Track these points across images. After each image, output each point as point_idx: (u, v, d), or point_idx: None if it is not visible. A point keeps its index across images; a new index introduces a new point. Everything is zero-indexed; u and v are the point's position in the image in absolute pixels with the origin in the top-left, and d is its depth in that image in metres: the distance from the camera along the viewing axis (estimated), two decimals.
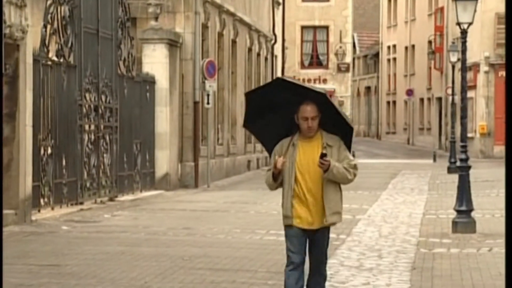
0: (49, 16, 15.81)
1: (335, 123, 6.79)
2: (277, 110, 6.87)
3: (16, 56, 13.87)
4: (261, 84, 33.17)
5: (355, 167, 6.85)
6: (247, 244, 12.20)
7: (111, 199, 18.34)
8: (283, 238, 14.16)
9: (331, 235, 14.23)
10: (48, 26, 15.82)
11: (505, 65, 12.43)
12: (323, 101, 6.75)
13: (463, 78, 14.91)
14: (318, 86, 48.40)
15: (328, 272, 9.86)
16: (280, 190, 7.00)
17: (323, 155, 6.69)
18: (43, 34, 15.65)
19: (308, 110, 6.71)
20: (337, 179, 6.78)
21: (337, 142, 6.82)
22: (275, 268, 10.07)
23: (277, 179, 6.83)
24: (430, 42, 53.00)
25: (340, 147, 6.82)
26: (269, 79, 34.76)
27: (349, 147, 6.86)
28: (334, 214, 6.87)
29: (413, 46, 57.84)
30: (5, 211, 13.20)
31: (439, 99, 51.74)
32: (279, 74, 37.59)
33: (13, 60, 13.84)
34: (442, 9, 50.48)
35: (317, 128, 6.77)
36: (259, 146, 32.38)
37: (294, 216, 6.83)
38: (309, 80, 46.29)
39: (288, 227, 6.91)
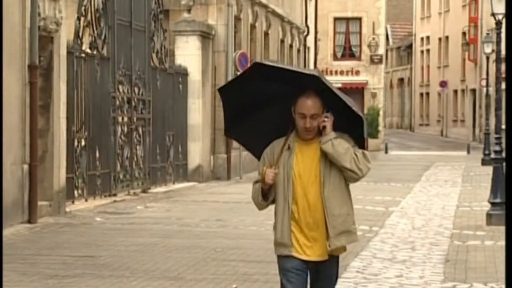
0: (83, 8, 15.89)
1: (341, 114, 5.17)
2: (264, 107, 5.30)
3: (50, 48, 13.96)
4: None
5: (365, 156, 5.17)
6: None
7: (144, 191, 18.42)
8: None
9: (364, 227, 14.26)
10: (82, 19, 15.90)
11: (506, 65, 12.26)
12: (319, 86, 5.10)
13: (498, 69, 14.80)
14: (350, 78, 47.75)
15: (361, 264, 9.87)
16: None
17: (326, 111, 5.16)
18: (77, 26, 15.73)
19: (308, 106, 5.09)
20: (340, 162, 5.09)
21: (345, 137, 5.24)
22: None
23: (268, 197, 5.20)
24: (464, 33, 52.61)
25: (348, 141, 5.22)
26: None
27: (361, 145, 5.24)
28: (342, 235, 5.17)
29: (447, 37, 57.45)
30: (39, 203, 13.31)
31: (473, 90, 51.36)
32: (311, 66, 37.52)
33: (48, 52, 13.94)
34: (476, 0, 50.04)
35: (317, 128, 5.14)
36: None
37: (293, 244, 5.16)
38: (341, 72, 46.14)
39: (283, 258, 5.22)
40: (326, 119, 5.11)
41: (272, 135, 5.27)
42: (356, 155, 5.13)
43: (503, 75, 13.62)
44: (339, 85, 45.77)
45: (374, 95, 45.57)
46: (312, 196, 5.16)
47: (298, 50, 33.80)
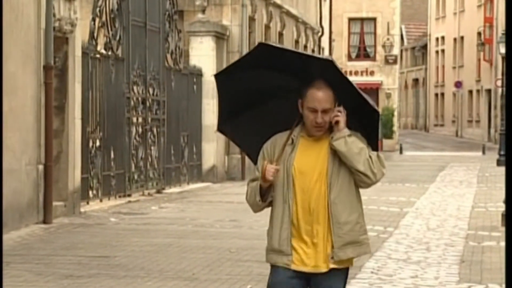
0: (98, 9, 15.93)
1: (354, 109, 4.58)
2: (266, 100, 4.70)
3: (65, 49, 14.00)
4: None
5: (380, 160, 4.56)
6: None
7: (158, 191, 18.45)
8: None
9: (378, 228, 14.20)
10: (97, 19, 15.94)
11: (506, 65, 12.21)
12: (332, 75, 4.49)
13: None
14: (364, 79, 47.89)
15: (376, 265, 9.85)
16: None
17: (339, 105, 4.58)
18: (91, 27, 15.77)
19: (320, 98, 4.47)
20: (352, 162, 4.47)
21: (356, 135, 4.62)
22: None
23: (266, 197, 4.56)
24: (479, 33, 52.44)
25: (360, 140, 4.63)
26: None
27: (375, 146, 4.63)
28: (348, 246, 4.51)
29: (462, 37, 57.28)
30: (54, 203, 13.35)
31: (488, 91, 51.18)
32: None
33: (62, 53, 13.97)
34: (491, 0, 49.87)
35: (328, 125, 4.53)
36: None
37: (292, 253, 4.52)
38: (356, 73, 46.09)
39: (279, 269, 4.58)
40: (339, 114, 4.49)
41: (272, 133, 4.64)
42: (370, 157, 4.50)
43: None
44: None
45: (388, 96, 45.49)
46: (314, 198, 4.49)
47: (313, 51, 33.77)
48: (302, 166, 4.52)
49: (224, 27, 22.41)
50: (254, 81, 4.64)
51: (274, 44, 4.62)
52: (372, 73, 45.93)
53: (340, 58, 45.38)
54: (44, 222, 12.94)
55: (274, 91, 4.68)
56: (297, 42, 30.51)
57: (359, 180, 4.52)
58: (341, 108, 4.52)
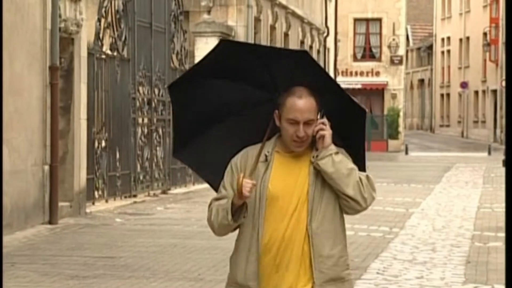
0: (103, 10, 15.94)
1: (339, 110, 3.89)
2: (233, 115, 3.99)
3: (71, 50, 14.02)
4: None
5: (370, 181, 3.88)
6: None
7: (164, 192, 18.46)
8: None
9: (384, 228, 14.18)
10: (102, 20, 15.96)
11: (505, 65, 12.18)
12: (308, 70, 3.79)
13: None
14: (370, 79, 47.86)
15: (381, 266, 9.84)
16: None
17: (322, 116, 3.88)
18: (97, 28, 15.79)
19: (302, 108, 3.79)
20: (340, 186, 3.81)
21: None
22: None
23: (239, 216, 3.83)
24: (485, 34, 52.38)
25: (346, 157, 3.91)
26: None
27: (362, 162, 3.94)
28: (330, 283, 3.86)
29: (467, 38, 57.22)
30: (60, 204, 13.36)
31: (494, 91, 51.13)
32: (331, 67, 37.49)
33: (68, 54, 13.99)
34: (497, 0, 49.82)
35: (310, 139, 3.83)
36: None
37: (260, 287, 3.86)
38: (361, 73, 46.06)
39: None
40: (323, 127, 3.80)
41: (243, 143, 3.93)
42: (360, 179, 3.82)
43: None
44: (359, 86, 45.81)
45: (394, 96, 45.46)
46: (291, 227, 3.79)
47: (318, 51, 33.77)
48: (279, 188, 3.80)
49: (230, 27, 22.41)
50: (216, 93, 3.92)
51: (238, 41, 3.97)
52: (377, 73, 45.89)
53: (346, 59, 45.36)
54: (50, 222, 12.96)
55: (241, 104, 3.96)
56: (302, 42, 30.50)
57: (347, 206, 3.84)
58: (325, 120, 3.83)
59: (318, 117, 3.85)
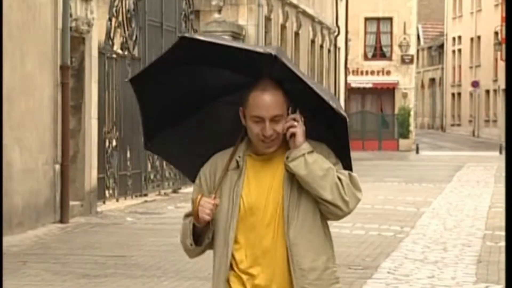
0: (114, 9, 15.96)
1: (314, 113, 3.47)
2: (205, 104, 3.56)
3: (81, 49, 14.04)
4: (324, 76, 33.19)
5: (353, 180, 3.43)
6: None
7: (174, 191, 18.47)
8: (346, 231, 14.11)
9: (395, 228, 14.15)
10: (113, 19, 15.97)
11: (505, 65, 12.15)
12: (280, 72, 3.34)
13: None
14: (380, 78, 47.74)
15: (392, 265, 9.83)
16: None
17: (293, 110, 3.42)
18: (108, 27, 15.81)
19: (266, 104, 3.35)
20: (316, 190, 3.37)
21: (319, 150, 3.45)
22: (338, 261, 9.97)
23: (202, 240, 3.47)
24: (496, 33, 52.24)
25: (326, 156, 3.46)
26: (332, 72, 34.70)
27: (347, 156, 3.50)
28: None
29: (478, 37, 57.10)
30: (71, 203, 13.38)
31: (506, 90, 50.98)
32: (342, 66, 37.45)
33: (79, 53, 14.01)
34: None
35: (281, 137, 3.40)
36: None
37: None
38: (372, 72, 46.00)
39: None
40: (295, 123, 3.37)
41: (217, 150, 3.51)
42: (340, 179, 3.37)
43: None
44: (370, 86, 45.77)
45: (405, 95, 45.38)
46: (269, 239, 3.37)
47: (329, 50, 33.74)
48: (253, 197, 3.39)
49: (240, 27, 22.41)
50: (186, 81, 3.50)
51: (199, 37, 3.36)
52: (388, 72, 45.81)
53: (356, 58, 45.31)
54: (61, 221, 12.98)
55: (214, 92, 3.53)
56: (313, 42, 30.49)
57: (327, 212, 3.40)
58: (297, 115, 3.38)
59: (289, 112, 3.39)
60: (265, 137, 3.38)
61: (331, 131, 3.49)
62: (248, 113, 3.39)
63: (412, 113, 44.84)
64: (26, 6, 12.22)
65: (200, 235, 3.46)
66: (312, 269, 3.40)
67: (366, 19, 46.12)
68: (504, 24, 50.22)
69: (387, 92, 45.78)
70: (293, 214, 3.39)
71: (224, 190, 3.43)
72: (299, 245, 3.38)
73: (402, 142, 42.23)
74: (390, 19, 45.95)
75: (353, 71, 44.51)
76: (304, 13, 28.52)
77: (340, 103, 3.46)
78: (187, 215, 3.51)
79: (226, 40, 3.44)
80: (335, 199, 3.37)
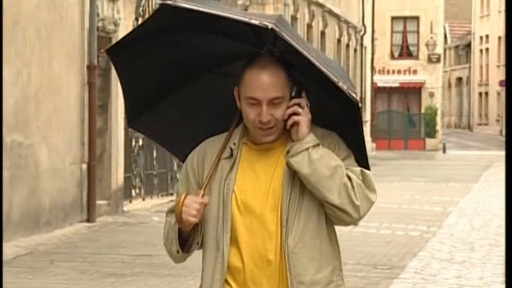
0: (141, 9, 16.01)
1: (323, 95, 2.94)
2: (199, 76, 3.05)
3: None
4: (350, 75, 33.09)
5: (366, 180, 2.91)
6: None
7: None
8: (372, 231, 14.10)
9: (422, 227, 14.11)
10: (140, 19, 16.01)
11: (505, 65, 12.05)
12: (281, 48, 2.83)
13: None
14: (407, 78, 47.63)
15: (419, 265, 9.79)
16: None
17: (298, 93, 2.87)
18: (134, 26, 15.85)
19: (264, 84, 2.84)
20: (321, 191, 2.85)
21: (328, 141, 2.93)
22: (365, 260, 10.00)
23: (189, 245, 2.97)
24: None
25: (336, 148, 2.93)
26: (358, 71, 34.62)
27: (361, 149, 2.97)
28: None
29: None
30: (98, 202, 13.44)
31: None
32: (368, 66, 37.33)
33: None
34: None
35: (282, 124, 2.87)
36: None
37: None
38: (399, 71, 45.83)
39: None
40: (298, 109, 2.84)
41: (207, 131, 3.02)
42: (350, 178, 2.86)
43: None
44: (397, 85, 45.60)
45: (431, 95, 45.18)
46: (265, 245, 2.87)
47: (355, 50, 33.65)
48: (248, 192, 2.87)
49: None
50: (172, 50, 2.99)
51: (183, 5, 2.81)
52: (415, 72, 45.64)
53: (383, 57, 45.15)
54: (88, 220, 13.04)
55: (208, 61, 3.02)
56: (339, 41, 30.42)
57: (333, 217, 2.90)
58: (301, 100, 2.85)
59: (292, 95, 2.86)
60: (262, 124, 2.85)
61: (343, 117, 2.92)
62: (242, 94, 2.87)
63: (439, 112, 44.64)
64: (53, 6, 12.29)
65: (187, 239, 2.91)
66: (313, 283, 2.88)
67: (393, 18, 45.95)
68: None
69: (413, 91, 45.59)
70: (294, 218, 2.86)
71: (214, 184, 2.88)
72: (300, 255, 2.86)
73: (429, 142, 42.05)
74: (417, 18, 45.76)
75: (379, 71, 44.37)
76: (330, 12, 28.47)
77: (352, 84, 2.89)
78: (170, 211, 2.96)
79: (217, 7, 2.82)
80: (343, 203, 2.85)
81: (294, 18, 24.05)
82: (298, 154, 2.85)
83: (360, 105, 2.88)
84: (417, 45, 45.82)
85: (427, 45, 45.30)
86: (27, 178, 11.31)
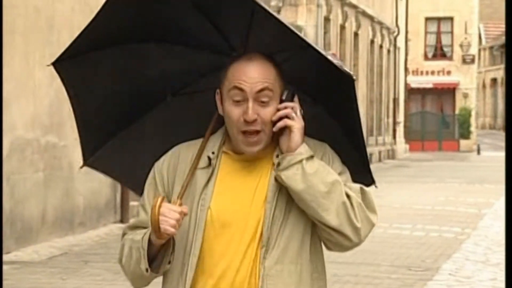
0: None
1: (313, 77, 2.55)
2: (155, 104, 2.65)
3: None
4: (383, 76, 32.97)
5: (366, 198, 2.53)
6: (369, 238, 12.02)
7: None
8: (406, 232, 14.03)
9: (456, 229, 14.01)
10: None
11: (505, 65, 11.92)
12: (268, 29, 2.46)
13: None
14: (441, 78, 47.56)
15: (453, 267, 9.73)
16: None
17: (290, 97, 2.48)
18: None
19: (250, 73, 2.45)
20: (316, 211, 2.47)
21: (320, 153, 2.54)
22: (399, 262, 9.95)
23: (159, 263, 2.53)
24: None
25: (330, 162, 2.54)
26: (391, 72, 34.49)
27: (362, 154, 2.60)
28: None
29: None
30: (131, 203, 13.50)
31: None
32: (401, 67, 37.17)
33: None
34: None
35: (269, 132, 2.48)
36: (381, 139, 32.16)
37: None
38: (432, 72, 45.59)
39: None
40: (292, 113, 2.44)
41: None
42: (348, 196, 2.47)
43: None
44: (430, 86, 45.36)
45: (466, 96, 44.91)
46: (245, 267, 2.47)
47: (388, 51, 33.53)
48: (225, 209, 2.47)
49: (299, 27, 22.38)
50: (136, 65, 2.54)
51: None
52: (449, 72, 45.39)
53: (416, 58, 44.96)
54: (122, 221, 13.11)
55: (179, 76, 2.59)
56: (372, 42, 30.34)
57: (329, 241, 2.52)
58: (295, 105, 2.45)
59: (283, 98, 2.45)
60: (247, 124, 2.42)
61: (335, 116, 2.55)
62: (225, 91, 2.44)
63: (473, 113, 44.36)
64: (88, 9, 12.37)
65: (156, 256, 2.47)
66: None
67: (427, 19, 45.74)
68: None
69: (447, 92, 45.33)
70: (275, 236, 2.46)
71: (187, 197, 2.48)
72: (275, 278, 2.45)
73: (463, 143, 41.78)
74: (451, 18, 45.51)
75: (413, 71, 44.17)
76: (364, 13, 28.39)
77: (342, 62, 2.45)
78: (131, 227, 2.56)
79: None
80: (342, 226, 2.46)
81: (327, 19, 24.01)
82: (290, 167, 2.43)
83: (354, 78, 2.40)
84: (451, 45, 45.57)
85: (461, 46, 45.02)
86: (61, 179, 11.39)
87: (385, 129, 32.75)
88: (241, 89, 2.43)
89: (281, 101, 2.46)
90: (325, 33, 23.78)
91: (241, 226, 2.47)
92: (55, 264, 9.57)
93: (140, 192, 2.68)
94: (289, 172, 2.43)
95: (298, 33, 2.39)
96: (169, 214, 2.40)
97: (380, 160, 30.90)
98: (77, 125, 2.66)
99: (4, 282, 8.30)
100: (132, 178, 2.76)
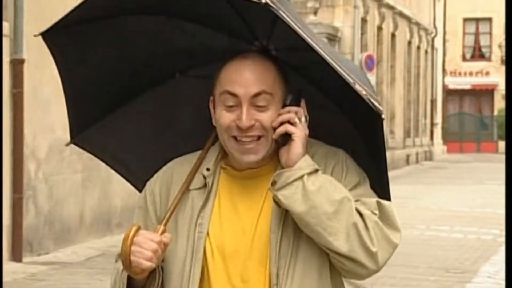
0: None
1: (335, 102, 2.25)
2: (154, 82, 2.34)
3: None
4: (421, 77, 32.81)
5: (387, 218, 2.11)
6: (407, 239, 12.03)
7: None
8: (444, 234, 13.94)
9: (495, 231, 13.91)
10: None
11: (505, 65, 11.77)
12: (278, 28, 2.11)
13: None
14: (479, 80, 47.25)
15: (492, 269, 9.64)
16: None
17: (295, 102, 2.10)
18: None
19: (244, 75, 2.08)
20: (322, 235, 2.05)
21: (333, 162, 2.14)
22: (436, 264, 9.89)
23: None
24: None
25: (343, 172, 2.14)
26: (429, 73, 34.30)
27: (382, 175, 2.16)
28: None
29: None
30: None
31: None
32: (439, 68, 36.97)
33: None
34: None
35: (271, 139, 2.10)
36: (418, 140, 31.99)
37: None
38: (471, 73, 45.27)
39: None
40: (295, 118, 2.10)
41: (176, 152, 2.28)
42: (361, 215, 2.09)
43: None
44: (468, 87, 45.06)
45: (504, 97, 44.56)
46: None
47: (426, 52, 33.35)
48: (226, 237, 2.13)
49: (336, 28, 22.34)
50: (130, 40, 2.24)
51: None
52: (487, 73, 45.05)
53: (455, 59, 44.68)
54: None
55: (179, 59, 2.28)
56: (410, 43, 30.20)
57: (341, 268, 2.13)
58: (299, 110, 2.10)
59: (287, 102, 2.11)
60: (241, 131, 2.07)
61: (360, 130, 2.20)
62: (217, 96, 2.11)
63: None
64: None
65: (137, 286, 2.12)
66: None
67: (465, 19, 45.44)
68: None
69: (486, 93, 44.99)
70: (286, 272, 2.09)
71: (180, 222, 2.13)
72: None
73: (502, 144, 41.42)
74: (489, 19, 45.17)
75: (451, 72, 43.90)
76: (401, 14, 28.27)
77: (374, 91, 2.11)
78: (118, 257, 2.24)
79: None
80: (353, 251, 2.06)
81: (364, 20, 23.94)
82: (288, 185, 2.04)
83: (383, 116, 2.05)
84: (490, 46, 45.22)
85: (500, 46, 44.66)
86: (99, 180, 11.47)
87: (423, 130, 32.58)
88: (233, 94, 2.07)
89: (284, 106, 2.11)
90: (362, 34, 23.71)
91: (243, 255, 2.11)
92: (92, 265, 9.63)
93: (133, 181, 2.48)
94: (287, 191, 2.04)
95: (329, 61, 1.99)
96: (145, 245, 2.03)
97: (417, 161, 30.75)
98: (66, 100, 2.32)
99: (43, 283, 8.36)
100: (124, 164, 2.51)
